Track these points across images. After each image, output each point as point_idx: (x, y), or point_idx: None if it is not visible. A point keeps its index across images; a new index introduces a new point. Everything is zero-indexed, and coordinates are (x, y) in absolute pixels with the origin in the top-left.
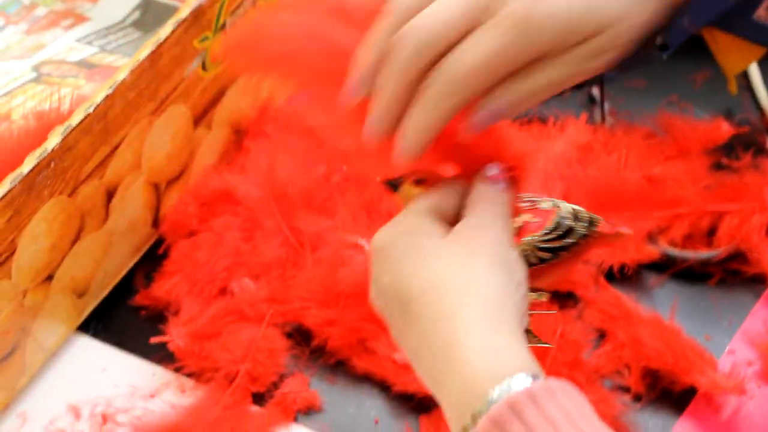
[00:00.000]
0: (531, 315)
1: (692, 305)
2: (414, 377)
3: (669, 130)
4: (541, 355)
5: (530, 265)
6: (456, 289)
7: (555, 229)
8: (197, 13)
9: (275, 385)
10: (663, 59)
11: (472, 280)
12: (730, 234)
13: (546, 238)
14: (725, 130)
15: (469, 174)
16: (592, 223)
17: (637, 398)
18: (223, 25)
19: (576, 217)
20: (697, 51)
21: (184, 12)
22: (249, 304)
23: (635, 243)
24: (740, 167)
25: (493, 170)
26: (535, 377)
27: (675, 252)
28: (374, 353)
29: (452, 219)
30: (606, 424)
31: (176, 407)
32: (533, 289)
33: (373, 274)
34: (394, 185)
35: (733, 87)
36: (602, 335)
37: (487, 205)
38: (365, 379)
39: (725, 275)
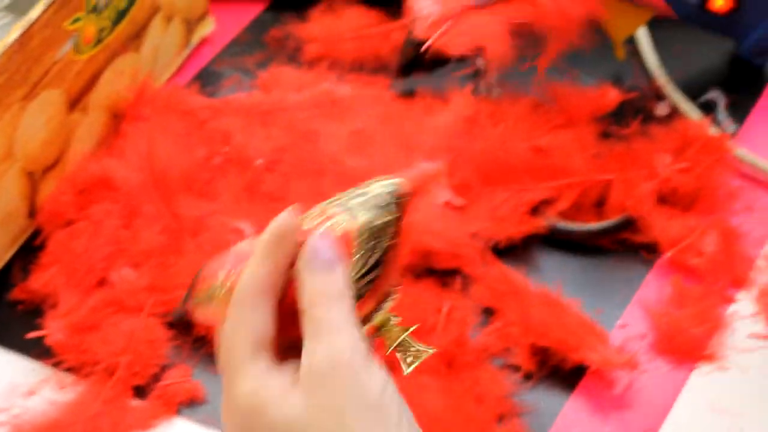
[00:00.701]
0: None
1: (583, 278)
2: None
3: (556, 98)
4: (427, 334)
5: (359, 298)
6: None
7: (364, 253)
8: None
9: (156, 378)
10: None
11: None
12: (619, 203)
13: (361, 272)
14: (613, 96)
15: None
16: (391, 203)
17: (528, 377)
18: (95, 8)
19: (378, 208)
20: None
21: None
22: (129, 293)
23: (521, 216)
24: (629, 134)
25: (318, 243)
26: None
27: (564, 224)
28: None
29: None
30: None
31: (56, 404)
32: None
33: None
34: (185, 312)
35: (621, 52)
36: (490, 312)
37: (323, 314)
38: None
39: (616, 246)
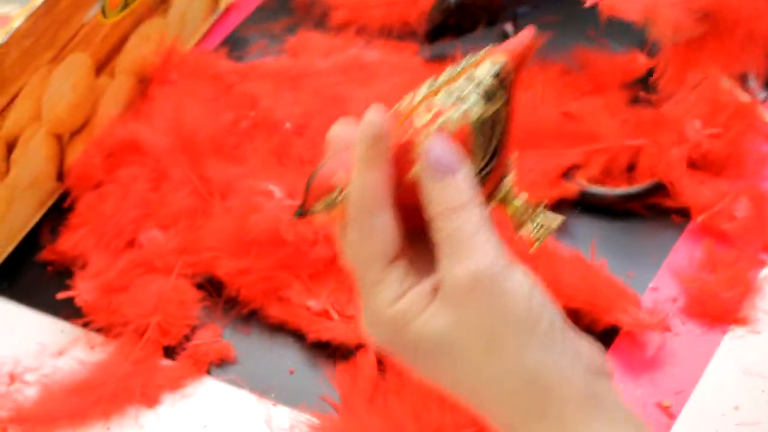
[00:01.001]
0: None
1: (614, 242)
2: (329, 326)
3: (585, 65)
4: None
5: (481, 186)
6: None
7: (481, 145)
8: None
9: (187, 338)
10: None
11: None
12: (649, 168)
13: (481, 165)
14: (642, 62)
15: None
16: (499, 87)
17: None
18: None
19: (487, 97)
20: None
21: None
22: (158, 255)
23: (552, 180)
24: (658, 100)
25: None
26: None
27: (594, 189)
28: (288, 302)
29: (402, 251)
30: None
31: (85, 364)
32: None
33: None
34: (301, 212)
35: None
36: None
37: (458, 228)
38: (279, 328)
39: (647, 211)
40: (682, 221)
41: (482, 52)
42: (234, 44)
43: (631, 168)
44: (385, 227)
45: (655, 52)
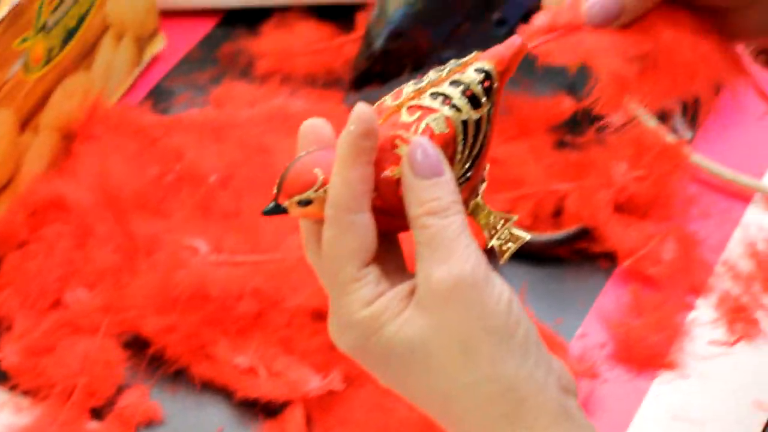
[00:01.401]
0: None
1: (542, 288)
2: (256, 383)
3: (510, 109)
4: None
5: (460, 185)
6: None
7: (463, 149)
8: (16, 13)
9: (114, 399)
10: (501, 35)
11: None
12: (576, 213)
13: (462, 169)
14: (567, 105)
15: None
16: (486, 91)
17: None
18: (44, 27)
19: (473, 103)
20: None
21: (2, 12)
22: (83, 315)
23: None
24: (584, 143)
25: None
26: None
27: None
28: (215, 359)
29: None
30: None
31: (13, 428)
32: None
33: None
34: (278, 209)
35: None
36: None
37: (436, 230)
38: (207, 387)
39: (574, 256)
40: (609, 265)
41: (468, 57)
42: (159, 96)
43: (557, 213)
44: (365, 226)
45: (582, 96)
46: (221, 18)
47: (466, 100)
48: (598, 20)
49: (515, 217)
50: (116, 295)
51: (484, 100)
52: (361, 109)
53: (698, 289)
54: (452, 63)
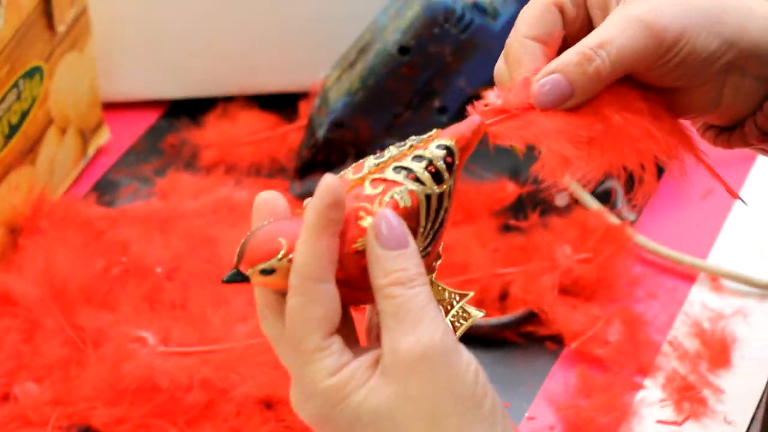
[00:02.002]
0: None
1: (489, 372)
2: None
3: (455, 193)
4: None
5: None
6: None
7: (426, 223)
8: None
9: None
10: (442, 123)
11: None
12: (522, 296)
13: (424, 243)
14: (511, 190)
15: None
16: (448, 167)
17: None
18: None
19: (437, 178)
20: None
21: None
22: (33, 408)
23: None
24: (529, 227)
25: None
26: None
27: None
28: None
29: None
30: None
31: None
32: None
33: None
34: (239, 277)
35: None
36: None
37: (402, 301)
38: None
39: (521, 339)
40: (556, 348)
41: (428, 134)
42: (104, 188)
43: (503, 297)
44: (331, 295)
45: (525, 180)
46: (165, 109)
47: (429, 175)
48: (548, 101)
49: (470, 294)
50: (65, 387)
51: (446, 176)
52: (329, 180)
53: (645, 369)
54: (413, 139)
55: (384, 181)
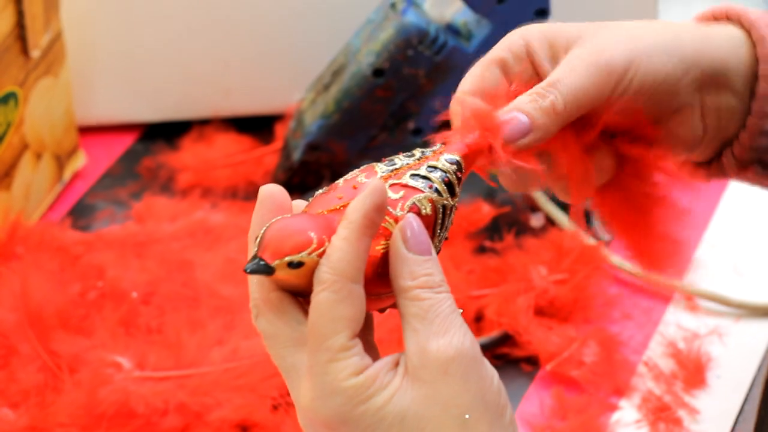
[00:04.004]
0: None
1: None
2: None
3: None
4: None
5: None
6: None
7: (437, 233)
8: None
9: None
10: (417, 144)
11: None
12: (497, 318)
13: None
14: (486, 211)
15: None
16: (457, 181)
17: None
18: None
19: (450, 189)
20: None
21: None
22: None
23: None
24: (504, 248)
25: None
26: None
27: None
28: None
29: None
30: None
31: None
32: None
33: None
34: (263, 268)
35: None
36: None
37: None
38: None
39: (496, 360)
40: (532, 369)
41: (436, 147)
42: (81, 213)
43: (478, 318)
44: (360, 297)
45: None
46: (141, 133)
47: (444, 186)
48: (509, 136)
49: (459, 311)
50: (41, 414)
51: (457, 189)
52: (378, 183)
53: (621, 389)
54: (420, 150)
55: (405, 187)
